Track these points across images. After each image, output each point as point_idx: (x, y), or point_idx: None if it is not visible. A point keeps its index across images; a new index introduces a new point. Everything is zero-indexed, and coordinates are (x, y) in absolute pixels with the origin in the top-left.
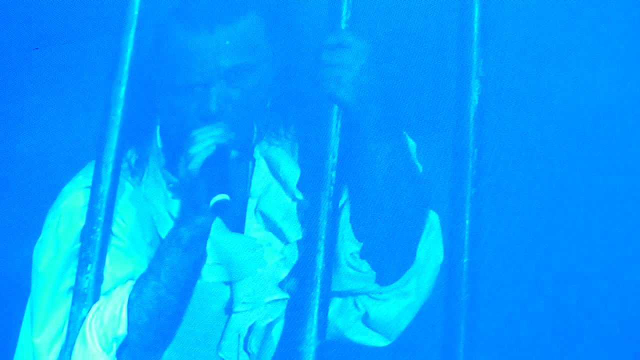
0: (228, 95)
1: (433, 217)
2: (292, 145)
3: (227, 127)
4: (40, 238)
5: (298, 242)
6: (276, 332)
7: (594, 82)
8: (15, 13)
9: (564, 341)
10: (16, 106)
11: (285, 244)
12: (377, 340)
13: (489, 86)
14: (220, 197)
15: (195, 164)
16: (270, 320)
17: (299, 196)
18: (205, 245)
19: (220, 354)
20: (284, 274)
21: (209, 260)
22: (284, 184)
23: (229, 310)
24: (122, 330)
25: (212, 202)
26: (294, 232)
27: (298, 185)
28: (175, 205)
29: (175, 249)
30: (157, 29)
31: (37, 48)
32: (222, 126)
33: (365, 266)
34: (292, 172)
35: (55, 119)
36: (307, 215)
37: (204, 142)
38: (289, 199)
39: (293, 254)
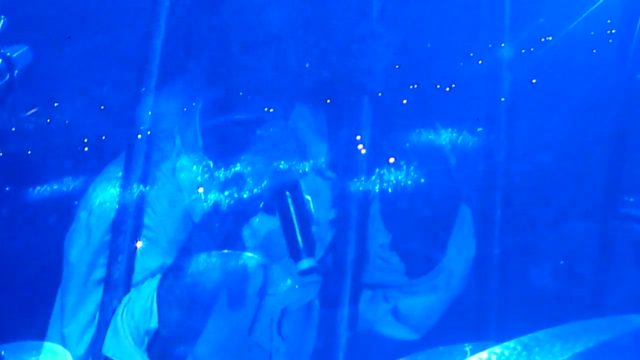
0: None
1: (465, 211)
2: (322, 127)
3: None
4: (71, 228)
5: (329, 222)
6: (309, 316)
7: (619, 73)
8: (50, 5)
9: (596, 330)
10: (48, 95)
11: (315, 225)
12: (406, 334)
13: (520, 77)
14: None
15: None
16: (303, 303)
17: (330, 175)
18: (239, 237)
19: (253, 337)
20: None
21: (246, 244)
22: (312, 166)
23: (262, 293)
24: (154, 324)
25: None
26: (324, 213)
27: (330, 168)
28: (209, 189)
29: (202, 241)
30: None
31: (69, 37)
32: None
33: (394, 258)
34: (320, 152)
35: (86, 108)
36: (340, 196)
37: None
38: (320, 180)
39: (324, 235)
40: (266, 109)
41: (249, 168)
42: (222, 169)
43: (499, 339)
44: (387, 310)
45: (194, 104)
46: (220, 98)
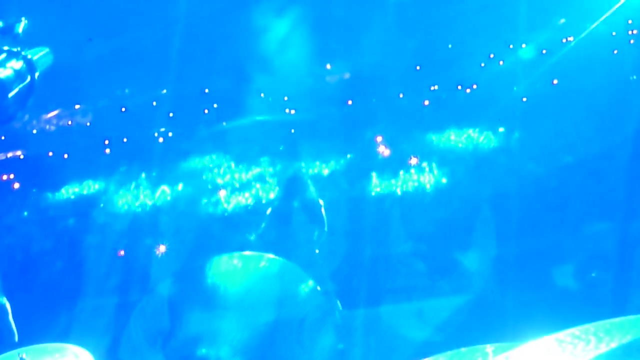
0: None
1: (486, 212)
2: (339, 140)
3: None
4: (88, 235)
5: (344, 233)
6: (328, 325)
7: None
8: (71, 7)
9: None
10: (69, 97)
11: (330, 236)
12: (432, 335)
13: (541, 77)
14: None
15: None
16: (321, 312)
17: (345, 187)
18: (240, 238)
19: (274, 347)
20: (330, 265)
21: (259, 252)
22: (330, 177)
23: (281, 301)
24: (165, 323)
25: None
26: (340, 225)
27: (346, 180)
28: (230, 192)
29: (208, 242)
30: None
31: (90, 39)
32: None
33: (418, 263)
34: (337, 165)
35: (108, 110)
36: (354, 208)
37: None
38: (336, 192)
39: (339, 246)
40: (287, 111)
41: (270, 169)
42: (243, 170)
43: (521, 340)
44: (412, 314)
45: (215, 105)
46: (241, 99)
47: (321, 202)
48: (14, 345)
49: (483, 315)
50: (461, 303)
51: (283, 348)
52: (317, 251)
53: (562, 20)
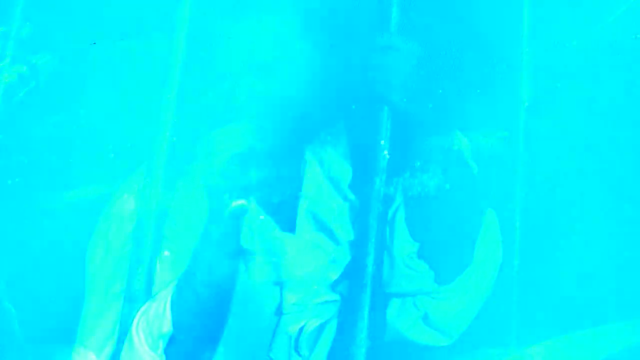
0: (258, 89)
1: (491, 215)
2: (344, 146)
3: (254, 128)
4: (91, 240)
5: (349, 243)
6: (327, 334)
7: None
8: (74, 10)
9: (620, 335)
10: (73, 102)
11: (336, 245)
12: (439, 340)
13: (540, 87)
14: (239, 202)
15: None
16: (321, 322)
17: (351, 197)
18: (239, 242)
19: (272, 355)
20: (334, 275)
21: (259, 259)
22: (335, 185)
23: (279, 311)
24: (167, 327)
25: (232, 206)
26: (345, 234)
27: (350, 187)
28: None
29: (206, 246)
30: None
31: (94, 43)
32: (245, 126)
33: (422, 266)
34: (344, 172)
35: (112, 115)
36: (359, 217)
37: (224, 143)
38: (341, 200)
39: (344, 256)
40: (290, 114)
41: (274, 173)
42: (247, 174)
43: (527, 344)
44: (418, 317)
45: (220, 110)
46: (244, 102)
47: (334, 205)
48: (18, 350)
49: (489, 319)
50: (467, 307)
51: (286, 354)
52: (334, 255)
53: (567, 25)
